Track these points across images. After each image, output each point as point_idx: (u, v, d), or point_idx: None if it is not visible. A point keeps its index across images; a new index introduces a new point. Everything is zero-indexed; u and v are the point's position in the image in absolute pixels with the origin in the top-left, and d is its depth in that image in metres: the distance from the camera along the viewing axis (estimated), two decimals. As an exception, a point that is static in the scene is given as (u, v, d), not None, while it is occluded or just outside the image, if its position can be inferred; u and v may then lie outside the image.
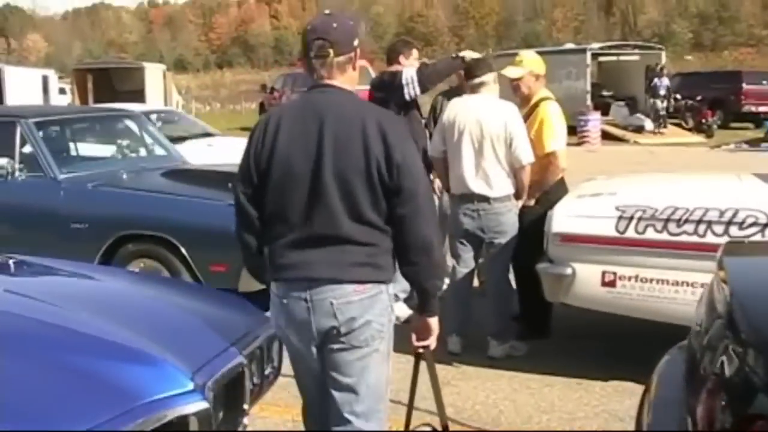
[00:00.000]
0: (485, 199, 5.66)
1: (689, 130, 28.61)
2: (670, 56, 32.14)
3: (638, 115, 27.94)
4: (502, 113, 5.64)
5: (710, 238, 4.72)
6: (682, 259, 4.80)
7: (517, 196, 5.80)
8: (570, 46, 33.21)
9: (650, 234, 4.85)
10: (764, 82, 31.86)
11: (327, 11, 3.26)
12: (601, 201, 5.13)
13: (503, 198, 5.68)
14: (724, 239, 4.68)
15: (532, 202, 5.90)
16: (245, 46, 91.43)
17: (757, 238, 4.68)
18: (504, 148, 5.57)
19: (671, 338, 3.53)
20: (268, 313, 3.40)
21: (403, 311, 5.95)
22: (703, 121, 27.53)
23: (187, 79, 68.68)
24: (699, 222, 4.78)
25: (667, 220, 4.83)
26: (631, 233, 4.89)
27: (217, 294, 4.33)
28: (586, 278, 5.03)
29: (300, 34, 3.39)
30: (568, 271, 5.04)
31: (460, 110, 5.79)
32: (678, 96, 29.48)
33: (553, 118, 5.87)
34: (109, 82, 33.42)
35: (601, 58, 30.87)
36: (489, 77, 5.84)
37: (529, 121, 5.90)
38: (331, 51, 3.11)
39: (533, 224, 5.70)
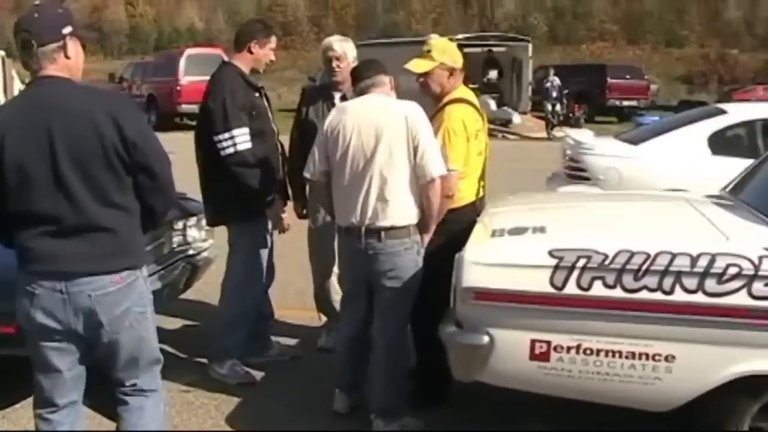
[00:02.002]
0: (375, 233, 4.33)
1: (554, 123, 28.03)
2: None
3: (505, 108, 27.19)
4: (402, 111, 4.35)
5: (679, 296, 3.44)
6: (641, 323, 3.50)
7: (423, 228, 4.45)
8: (435, 36, 32.13)
9: (598, 290, 3.51)
10: (628, 76, 31.85)
11: (36, 2, 3.36)
12: (527, 242, 3.76)
13: (399, 231, 4.34)
14: (699, 297, 3.41)
15: (428, 232, 4.54)
16: (100, 34, 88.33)
17: (741, 295, 3.42)
18: (407, 157, 4.27)
19: None
20: None
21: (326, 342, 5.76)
22: (571, 114, 26.93)
23: (31, 67, 65.28)
24: (664, 273, 3.47)
25: (621, 271, 3.50)
26: (571, 289, 3.53)
27: None
28: (510, 349, 3.65)
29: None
30: (485, 339, 3.65)
31: (346, 115, 4.43)
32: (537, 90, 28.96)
33: (450, 129, 4.57)
34: None
35: (466, 50, 29.75)
36: (382, 78, 4.54)
37: (433, 122, 4.57)
38: (34, 42, 3.12)
39: (429, 261, 4.47)
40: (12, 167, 3.07)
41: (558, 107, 26.65)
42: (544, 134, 26.06)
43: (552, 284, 3.54)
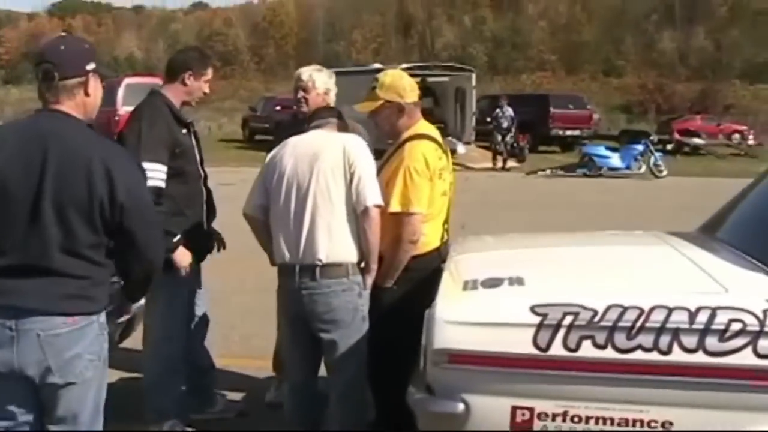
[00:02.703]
0: (309, 270, 3.97)
1: (499, 153, 27.86)
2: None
3: (450, 138, 26.88)
4: (341, 140, 4.18)
5: (678, 356, 3.07)
6: (635, 387, 3.11)
7: (365, 266, 4.07)
8: (377, 66, 31.87)
9: (587, 351, 3.11)
10: (570, 106, 31.93)
11: (62, 33, 2.61)
12: (505, 297, 3.35)
13: (337, 269, 4.00)
14: (700, 356, 3.04)
15: (388, 283, 4.14)
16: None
17: (747, 353, 3.05)
18: (344, 187, 3.97)
19: None
20: None
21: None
22: (515, 144, 26.78)
23: (-32, 96, 63.99)
24: (660, 331, 3.09)
25: (613, 329, 3.11)
26: (557, 350, 3.12)
27: None
28: (488, 418, 3.22)
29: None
30: (459, 407, 3.21)
31: (286, 147, 4.18)
32: (488, 119, 28.83)
33: (411, 168, 4.17)
34: None
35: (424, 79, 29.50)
36: (333, 121, 4.35)
37: (388, 163, 4.22)
38: (56, 74, 3.04)
39: (393, 313, 4.14)
40: None
41: (508, 137, 26.35)
42: (489, 164, 25.90)
43: (535, 345, 3.13)
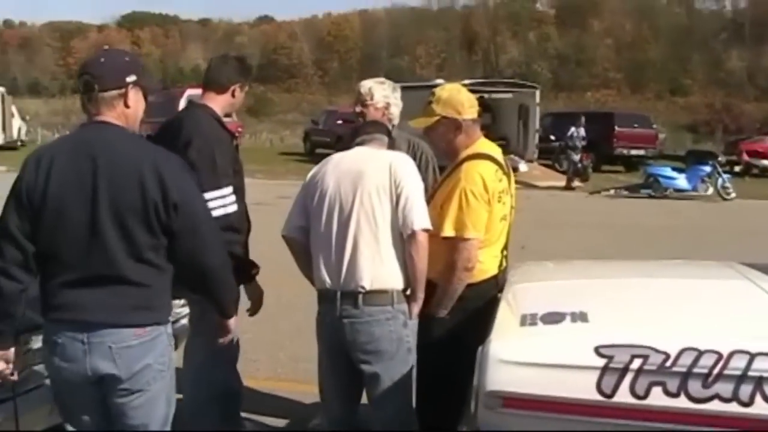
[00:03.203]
0: (352, 297, 3.70)
1: (562, 172, 27.41)
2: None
3: (512, 156, 26.52)
4: (387, 159, 3.88)
5: (761, 408, 2.74)
6: (711, 441, 2.78)
7: (411, 293, 3.77)
8: (440, 81, 31.67)
9: (657, 399, 2.80)
10: (635, 124, 31.25)
11: (106, 47, 2.56)
12: (567, 335, 3.05)
13: (381, 296, 3.71)
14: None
15: (441, 313, 3.86)
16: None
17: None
18: (390, 209, 3.73)
19: None
20: None
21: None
22: (579, 163, 26.24)
23: (36, 104, 65.23)
24: (741, 379, 2.77)
25: (687, 375, 2.80)
26: (623, 396, 2.82)
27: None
28: (544, 468, 2.93)
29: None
30: (514, 455, 2.93)
31: (328, 165, 3.92)
32: (552, 137, 28.39)
33: (468, 191, 3.88)
34: None
35: (482, 95, 29.09)
36: (380, 138, 4.04)
37: (444, 184, 3.96)
38: (96, 86, 3.10)
39: (444, 345, 3.84)
40: (51, 207, 3.05)
41: (575, 156, 25.80)
42: (552, 183, 25.47)
43: (599, 390, 2.83)
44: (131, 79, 3.16)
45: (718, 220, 18.16)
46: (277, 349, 6.61)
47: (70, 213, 3.04)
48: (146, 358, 3.12)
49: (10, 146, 34.94)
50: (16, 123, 37.51)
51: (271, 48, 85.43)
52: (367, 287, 3.70)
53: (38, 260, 3.10)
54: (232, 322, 3.56)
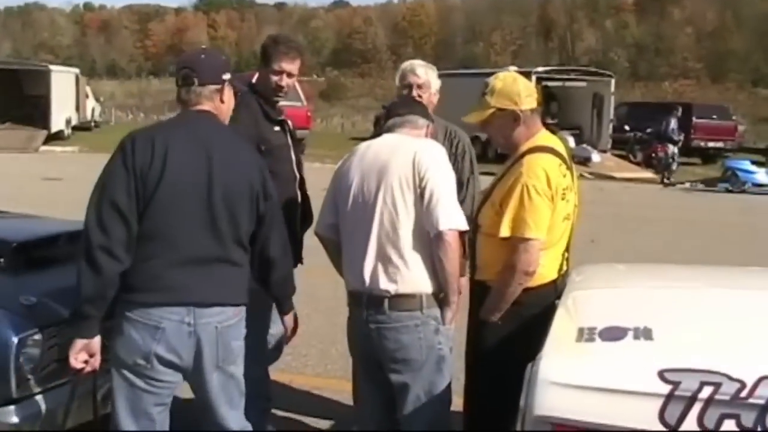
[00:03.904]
0: (378, 301, 3.42)
1: (637, 164, 26.77)
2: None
3: (585, 146, 26.08)
4: (412, 148, 3.51)
5: None
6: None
7: (443, 297, 3.48)
8: (513, 68, 31.09)
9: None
10: (714, 116, 30.35)
11: (203, 47, 3.71)
12: (628, 355, 2.71)
13: (408, 301, 3.42)
14: None
15: (494, 318, 3.58)
16: (180, 55, 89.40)
17: None
18: (413, 203, 3.43)
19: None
20: None
21: None
22: (653, 155, 25.53)
23: (112, 86, 66.47)
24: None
25: (766, 408, 2.45)
26: (690, 428, 2.49)
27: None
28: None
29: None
30: (564, 488, 2.61)
31: (354, 156, 3.67)
32: (626, 127, 27.69)
33: (530, 186, 3.53)
34: (18, 85, 31.38)
35: (546, 83, 28.48)
36: (414, 119, 3.69)
37: (502, 180, 3.63)
38: (195, 80, 3.30)
39: (493, 353, 3.56)
40: (167, 190, 3.14)
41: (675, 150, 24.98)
42: (626, 174, 24.85)
43: (662, 420, 2.49)
44: (227, 76, 3.38)
45: (800, 217, 17.45)
46: (329, 343, 6.35)
47: (186, 197, 3.17)
48: (240, 337, 3.34)
49: (84, 127, 35.44)
50: (90, 104, 38.00)
51: (346, 33, 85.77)
52: (393, 291, 3.41)
53: (140, 241, 3.14)
54: (288, 318, 3.70)
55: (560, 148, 3.77)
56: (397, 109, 3.78)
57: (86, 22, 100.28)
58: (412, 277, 3.41)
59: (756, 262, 10.90)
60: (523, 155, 3.67)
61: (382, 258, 3.41)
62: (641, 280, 3.97)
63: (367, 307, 3.45)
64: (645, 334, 2.82)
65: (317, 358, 6.16)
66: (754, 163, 23.32)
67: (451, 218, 3.38)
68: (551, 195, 3.56)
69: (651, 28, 70.66)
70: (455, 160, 4.38)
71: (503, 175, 3.74)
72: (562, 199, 3.62)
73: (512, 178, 3.61)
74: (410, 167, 3.40)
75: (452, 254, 3.38)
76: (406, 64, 4.58)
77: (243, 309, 3.33)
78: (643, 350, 2.71)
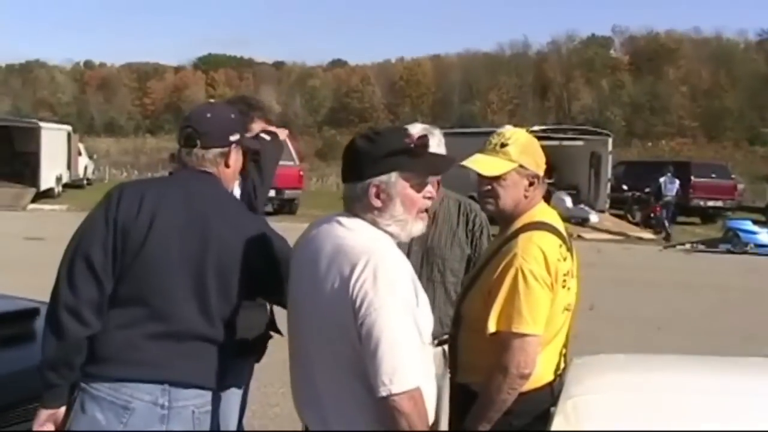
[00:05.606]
0: None
1: (636, 224, 26.43)
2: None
3: (582, 206, 25.76)
4: (355, 253, 2.47)
5: None
6: None
7: None
8: (509, 127, 30.86)
9: None
10: (713, 174, 30.07)
11: (211, 100, 3.38)
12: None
13: None
14: None
15: (482, 428, 3.01)
16: (178, 113, 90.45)
17: None
18: (348, 339, 2.44)
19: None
20: None
21: None
22: (652, 215, 25.22)
23: (108, 143, 66.65)
24: None
25: None
26: None
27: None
28: None
29: None
30: None
31: (298, 248, 2.76)
32: (624, 186, 27.41)
33: (527, 271, 2.99)
34: (10, 141, 31.24)
35: (543, 142, 28.08)
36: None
37: (493, 259, 3.10)
38: (198, 142, 2.97)
39: None
40: (151, 251, 2.80)
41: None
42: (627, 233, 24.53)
43: None
44: (235, 138, 3.04)
45: (805, 280, 17.02)
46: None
47: (173, 263, 2.81)
48: (222, 425, 3.08)
49: (76, 185, 35.13)
50: (83, 161, 37.75)
51: (344, 92, 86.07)
52: None
53: (116, 305, 2.79)
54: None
55: (560, 225, 3.23)
56: None
57: (86, 79, 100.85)
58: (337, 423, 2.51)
59: (763, 330, 10.50)
60: (517, 232, 3.13)
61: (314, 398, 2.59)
62: (646, 380, 3.46)
63: None
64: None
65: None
66: (755, 223, 23.00)
67: (405, 377, 2.34)
68: (551, 282, 3.02)
69: (646, 86, 71.08)
70: (472, 237, 4.01)
71: (493, 255, 3.20)
72: (563, 286, 3.08)
73: (504, 259, 3.06)
74: (346, 286, 2.40)
75: (407, 420, 2.36)
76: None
77: (231, 392, 3.12)
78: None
